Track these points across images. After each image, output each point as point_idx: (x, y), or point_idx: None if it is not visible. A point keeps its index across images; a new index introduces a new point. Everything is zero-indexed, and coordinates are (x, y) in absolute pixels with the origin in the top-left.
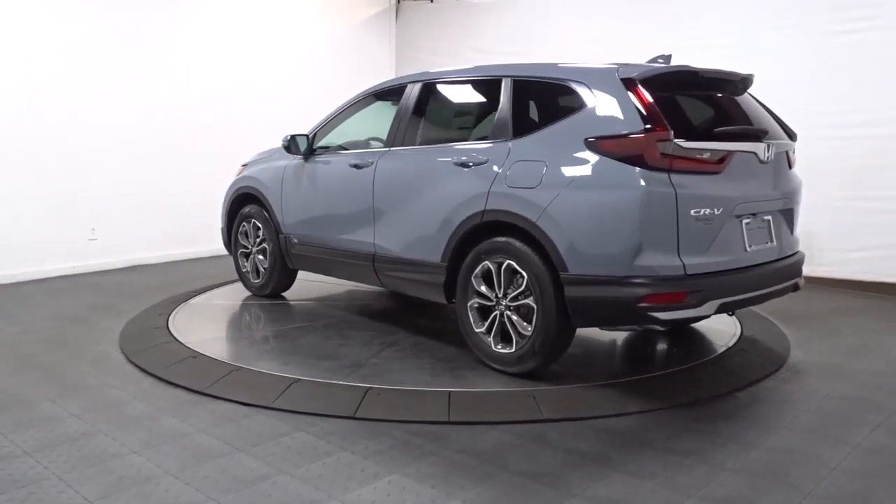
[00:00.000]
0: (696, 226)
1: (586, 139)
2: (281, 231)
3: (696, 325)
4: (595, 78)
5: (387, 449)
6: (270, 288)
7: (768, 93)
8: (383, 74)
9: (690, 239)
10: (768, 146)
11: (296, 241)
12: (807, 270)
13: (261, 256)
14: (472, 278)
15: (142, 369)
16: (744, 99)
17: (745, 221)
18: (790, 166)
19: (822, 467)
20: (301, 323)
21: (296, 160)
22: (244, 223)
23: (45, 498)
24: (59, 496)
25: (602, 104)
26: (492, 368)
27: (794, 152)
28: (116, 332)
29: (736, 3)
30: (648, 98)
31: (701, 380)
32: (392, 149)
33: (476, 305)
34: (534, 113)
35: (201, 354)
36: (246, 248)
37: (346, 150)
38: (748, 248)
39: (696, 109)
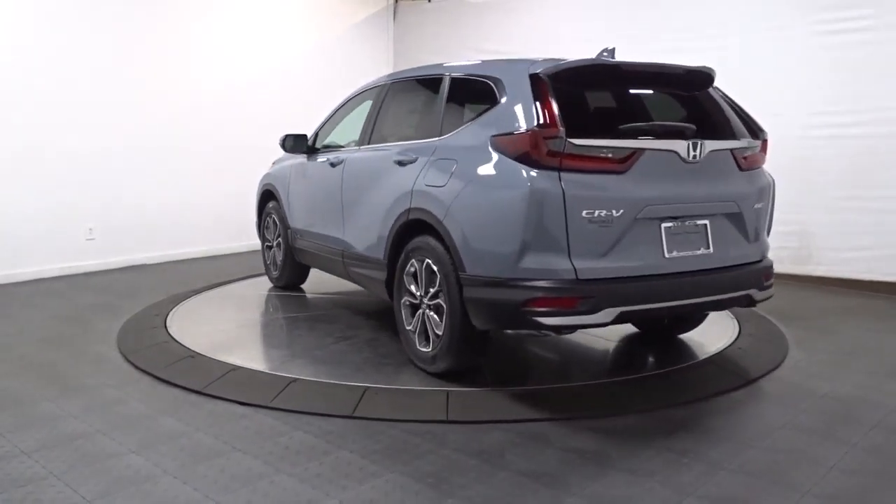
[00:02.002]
0: (589, 228)
1: (490, 137)
2: (288, 226)
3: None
4: (509, 74)
5: (385, 448)
6: (284, 280)
7: (765, 92)
8: (381, 74)
9: (584, 241)
10: (694, 144)
11: (298, 236)
12: (805, 270)
13: (278, 250)
14: (404, 276)
15: (140, 369)
16: (692, 94)
17: (664, 225)
18: (741, 167)
19: (820, 466)
20: (287, 314)
21: (300, 159)
22: (267, 218)
23: (44, 497)
24: (57, 496)
25: (509, 100)
26: (416, 366)
27: (754, 151)
28: (114, 332)
29: (731, 4)
30: (547, 94)
31: (699, 379)
32: (360, 147)
33: (407, 303)
34: (461, 110)
35: (199, 354)
36: (269, 241)
37: (342, 148)
38: (668, 255)
39: (615, 105)
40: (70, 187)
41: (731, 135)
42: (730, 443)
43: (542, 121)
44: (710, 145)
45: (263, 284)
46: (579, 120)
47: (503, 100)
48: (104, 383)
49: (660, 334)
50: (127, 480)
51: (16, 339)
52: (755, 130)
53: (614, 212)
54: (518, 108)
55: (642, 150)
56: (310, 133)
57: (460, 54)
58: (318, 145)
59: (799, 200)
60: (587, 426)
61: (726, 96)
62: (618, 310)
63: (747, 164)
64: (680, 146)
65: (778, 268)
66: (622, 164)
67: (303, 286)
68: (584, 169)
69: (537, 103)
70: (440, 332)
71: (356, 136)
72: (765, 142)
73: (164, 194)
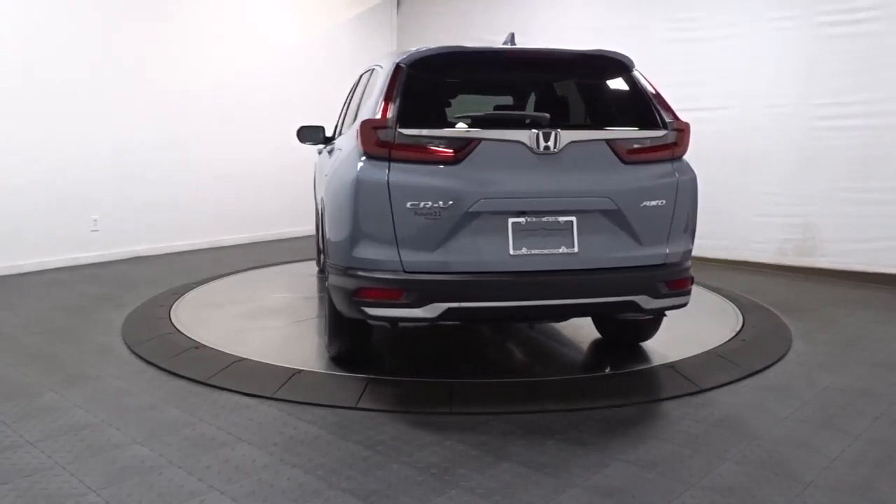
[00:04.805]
0: (417, 219)
1: None
2: (317, 213)
3: (696, 314)
4: (386, 64)
5: (389, 439)
6: (320, 265)
7: (771, 83)
8: None
9: (412, 233)
10: (546, 135)
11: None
12: (809, 262)
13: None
14: (326, 263)
15: (144, 360)
16: (586, 81)
17: (512, 221)
18: (623, 160)
19: (823, 458)
20: (284, 298)
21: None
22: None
23: (49, 487)
24: (62, 485)
25: (376, 91)
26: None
27: (654, 143)
28: (119, 323)
29: None
30: (395, 83)
31: (702, 371)
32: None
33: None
34: (367, 101)
35: (203, 345)
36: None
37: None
38: (513, 252)
39: (479, 93)
40: (75, 178)
41: (618, 124)
42: (733, 434)
43: (376, 111)
44: (570, 136)
45: (267, 274)
46: (431, 109)
47: (374, 90)
48: (109, 374)
49: (618, 340)
50: (132, 470)
51: (20, 329)
52: (663, 121)
53: (441, 203)
54: (374, 98)
55: (478, 140)
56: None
57: (463, 44)
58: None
59: (803, 192)
60: (589, 417)
61: (640, 84)
62: (445, 305)
63: (635, 156)
64: (525, 136)
65: (782, 259)
66: (454, 155)
67: None
68: (413, 159)
69: (385, 93)
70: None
71: None
72: (681, 132)
73: (168, 186)
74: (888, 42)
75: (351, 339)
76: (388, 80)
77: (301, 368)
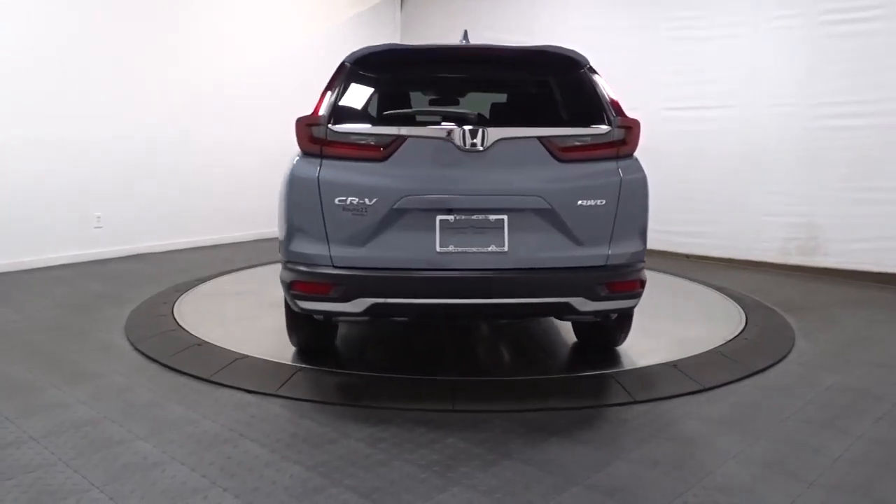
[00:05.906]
0: (344, 216)
1: None
2: None
3: (700, 313)
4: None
5: (391, 436)
6: None
7: (774, 83)
8: None
9: (340, 229)
10: (473, 132)
11: None
12: (813, 261)
13: None
14: None
15: (147, 357)
16: (530, 78)
17: (440, 218)
18: (558, 158)
19: (825, 458)
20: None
21: None
22: None
23: (52, 483)
24: (65, 482)
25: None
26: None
27: (596, 140)
28: (122, 320)
29: None
30: (335, 80)
31: (705, 370)
32: None
33: None
34: None
35: (206, 342)
36: None
37: None
38: (440, 249)
39: (419, 90)
40: (78, 175)
41: (560, 121)
42: (735, 433)
43: (315, 108)
44: (498, 133)
45: (270, 271)
46: (370, 106)
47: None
48: (112, 370)
49: (588, 344)
50: (135, 467)
51: (24, 326)
52: (608, 118)
53: (367, 200)
54: (320, 96)
55: (405, 137)
56: None
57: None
58: None
59: (806, 191)
60: (591, 416)
61: (587, 81)
62: (370, 301)
63: (571, 154)
64: (452, 134)
65: (786, 259)
66: (381, 152)
67: None
68: (343, 156)
69: (324, 89)
70: None
71: None
72: (628, 129)
73: (171, 183)
74: (890, 42)
75: (306, 331)
76: (331, 77)
77: (303, 366)
